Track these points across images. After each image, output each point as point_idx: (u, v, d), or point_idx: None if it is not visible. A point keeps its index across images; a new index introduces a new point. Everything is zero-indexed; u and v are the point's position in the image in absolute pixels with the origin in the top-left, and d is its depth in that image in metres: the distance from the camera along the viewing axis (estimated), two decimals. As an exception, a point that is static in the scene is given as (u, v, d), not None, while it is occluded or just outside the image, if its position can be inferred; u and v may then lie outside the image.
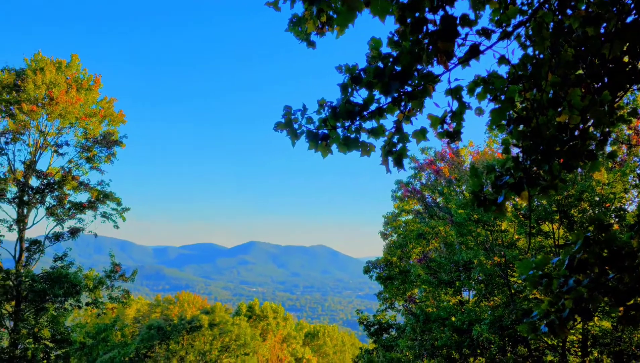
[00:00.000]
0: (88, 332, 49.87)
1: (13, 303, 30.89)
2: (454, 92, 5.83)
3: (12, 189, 31.44)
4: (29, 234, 32.09)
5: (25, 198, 31.22)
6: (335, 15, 6.83)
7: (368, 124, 5.88)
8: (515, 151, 6.41)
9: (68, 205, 32.12)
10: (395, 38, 5.79)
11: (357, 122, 5.88)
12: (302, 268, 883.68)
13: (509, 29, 5.92)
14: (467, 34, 5.60)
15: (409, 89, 5.62)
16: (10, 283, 30.51)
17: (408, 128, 5.98)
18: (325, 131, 5.90)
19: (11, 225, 31.20)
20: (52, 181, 31.57)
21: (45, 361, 31.85)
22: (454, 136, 6.08)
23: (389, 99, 5.69)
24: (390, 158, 5.93)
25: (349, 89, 5.65)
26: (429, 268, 30.19)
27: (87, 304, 32.54)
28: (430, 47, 5.23)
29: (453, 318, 27.85)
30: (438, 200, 32.76)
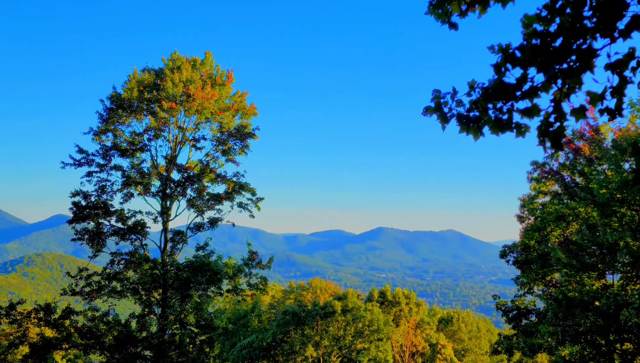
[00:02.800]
0: (229, 318, 51.90)
1: (160, 291, 32.58)
2: (614, 67, 5.52)
3: (156, 183, 33.13)
4: (172, 225, 33.75)
5: (168, 191, 32.77)
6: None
7: (521, 104, 5.70)
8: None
9: (207, 197, 33.33)
10: (544, 14, 5.56)
11: (509, 103, 5.71)
12: (432, 254, 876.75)
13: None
14: (628, 5, 5.29)
15: (565, 65, 5.39)
16: (157, 272, 32.22)
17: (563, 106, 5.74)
18: (477, 114, 5.78)
19: (156, 217, 32.88)
20: (191, 174, 32.93)
21: (191, 346, 33.44)
22: (615, 112, 5.77)
23: (543, 78, 5.48)
24: (546, 138, 5.71)
25: (502, 69, 5.49)
26: (569, 251, 29.00)
27: (228, 291, 33.78)
28: (594, 20, 4.98)
29: (597, 303, 26.67)
30: (577, 180, 31.34)
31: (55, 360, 33.81)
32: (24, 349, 33.01)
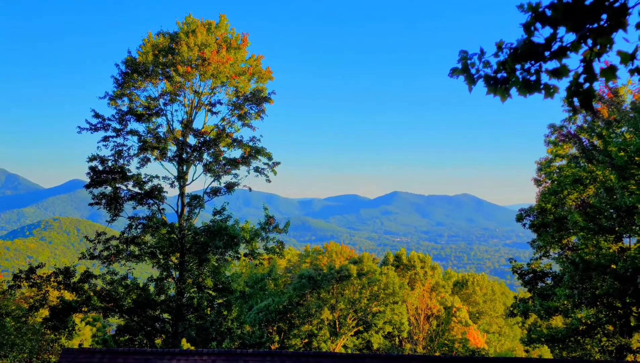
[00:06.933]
0: (246, 281, 52.39)
1: (178, 254, 32.90)
2: (646, 25, 5.36)
3: (172, 148, 33.22)
4: (189, 189, 33.90)
5: (184, 155, 32.86)
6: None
7: (550, 65, 5.57)
8: None
9: (223, 161, 33.37)
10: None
11: (537, 64, 5.59)
12: (446, 218, 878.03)
13: None
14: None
15: (595, 24, 5.25)
16: (175, 236, 32.48)
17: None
18: (504, 75, 5.68)
19: (173, 182, 33.00)
20: (207, 139, 32.93)
21: (209, 309, 33.84)
22: (646, 73, 5.61)
23: (573, 37, 5.34)
24: (576, 100, 5.59)
25: (532, 28, 5.36)
26: (586, 214, 28.86)
27: (245, 255, 34.03)
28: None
29: (614, 266, 26.62)
30: (595, 143, 31.04)
31: (75, 323, 34.33)
32: (44, 312, 33.54)
